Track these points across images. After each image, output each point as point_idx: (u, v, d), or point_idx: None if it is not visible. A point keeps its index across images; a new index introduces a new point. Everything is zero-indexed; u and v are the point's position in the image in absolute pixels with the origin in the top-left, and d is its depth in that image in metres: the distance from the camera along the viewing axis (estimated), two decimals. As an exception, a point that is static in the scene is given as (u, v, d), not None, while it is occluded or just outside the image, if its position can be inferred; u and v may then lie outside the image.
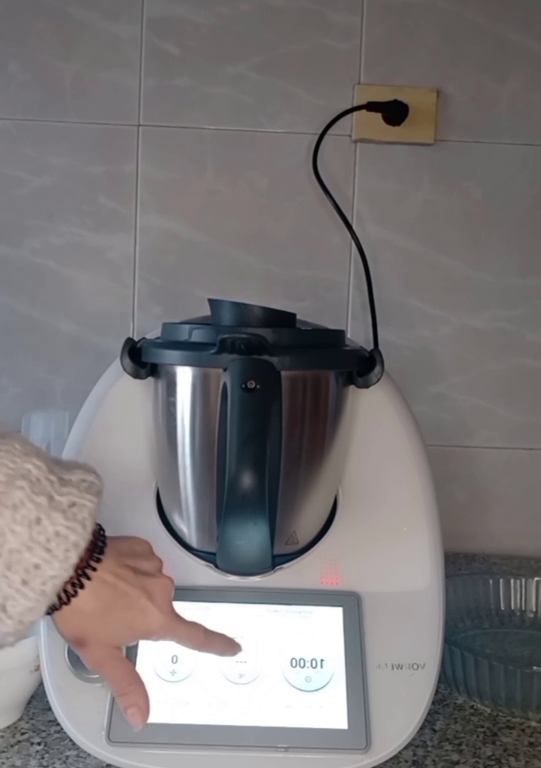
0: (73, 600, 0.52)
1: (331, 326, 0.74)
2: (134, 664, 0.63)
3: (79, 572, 0.53)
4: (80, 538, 0.51)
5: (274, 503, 0.65)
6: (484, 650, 0.84)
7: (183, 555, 0.69)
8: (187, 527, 0.70)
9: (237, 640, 0.63)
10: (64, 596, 0.52)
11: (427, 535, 0.70)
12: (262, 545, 0.64)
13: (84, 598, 0.53)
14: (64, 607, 0.52)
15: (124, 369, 0.69)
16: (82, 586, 0.53)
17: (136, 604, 0.56)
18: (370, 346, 0.79)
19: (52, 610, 0.52)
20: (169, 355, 0.67)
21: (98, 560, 0.54)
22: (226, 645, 0.62)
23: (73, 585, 0.52)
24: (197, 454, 0.68)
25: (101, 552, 0.54)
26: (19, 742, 0.67)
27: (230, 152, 1.12)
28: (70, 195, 1.12)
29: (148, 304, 1.14)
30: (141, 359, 0.69)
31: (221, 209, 1.13)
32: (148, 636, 0.58)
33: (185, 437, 0.68)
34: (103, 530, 0.57)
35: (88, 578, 0.53)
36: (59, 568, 0.50)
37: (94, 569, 0.53)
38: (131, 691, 0.57)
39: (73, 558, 0.51)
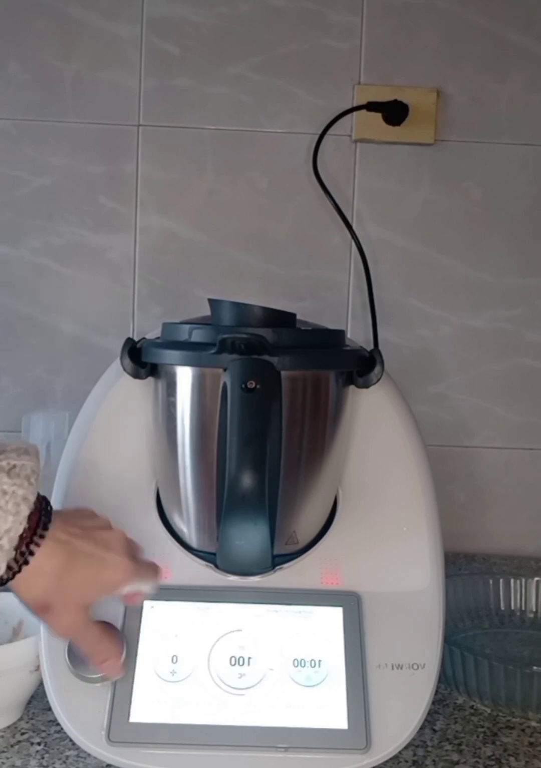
0: (32, 560, 0.54)
1: (331, 326, 0.74)
2: (134, 664, 0.63)
3: (32, 532, 0.55)
4: (28, 493, 0.54)
5: (274, 503, 0.65)
6: (484, 650, 0.84)
7: (183, 555, 0.69)
8: (187, 527, 0.70)
9: (238, 638, 0.64)
10: (21, 557, 0.54)
11: (427, 535, 0.70)
12: (263, 545, 0.64)
13: (41, 558, 0.55)
14: (25, 569, 0.54)
15: (124, 369, 0.69)
16: (37, 545, 0.55)
17: (94, 557, 0.57)
18: (370, 346, 0.79)
19: (11, 574, 0.54)
20: (169, 355, 0.67)
21: (48, 521, 0.56)
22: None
23: (29, 544, 0.54)
24: (197, 454, 0.68)
25: (49, 517, 0.56)
26: (19, 742, 0.67)
27: (230, 152, 1.12)
28: (70, 195, 1.12)
29: (148, 304, 1.14)
30: (141, 359, 0.69)
31: (221, 209, 1.13)
32: (115, 586, 0.59)
33: (185, 437, 0.68)
34: (48, 500, 0.58)
35: (42, 537, 0.55)
36: (13, 521, 0.53)
37: (45, 529, 0.55)
38: (103, 648, 0.60)
39: (25, 510, 0.53)
